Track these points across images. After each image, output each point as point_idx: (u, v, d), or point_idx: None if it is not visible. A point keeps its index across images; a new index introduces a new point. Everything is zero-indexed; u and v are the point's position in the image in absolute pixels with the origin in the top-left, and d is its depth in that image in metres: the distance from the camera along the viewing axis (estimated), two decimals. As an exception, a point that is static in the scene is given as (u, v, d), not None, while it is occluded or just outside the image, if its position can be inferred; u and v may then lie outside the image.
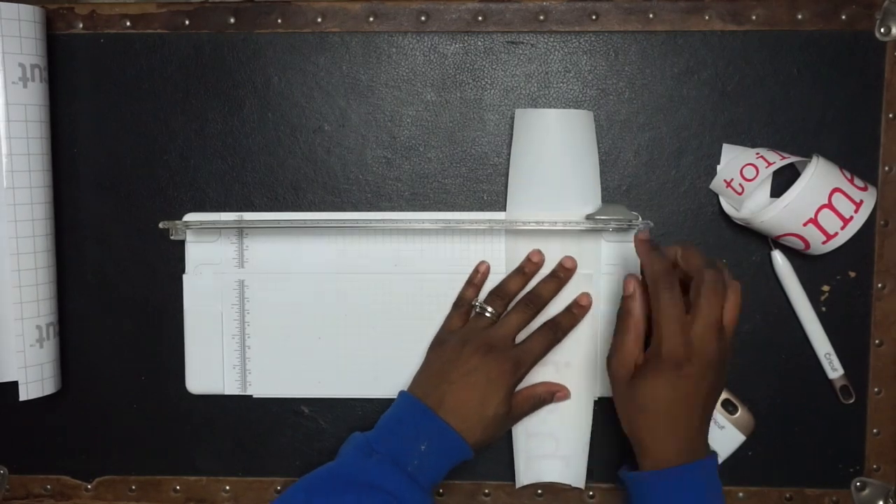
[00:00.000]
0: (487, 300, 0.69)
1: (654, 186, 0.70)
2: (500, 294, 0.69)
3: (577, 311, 0.70)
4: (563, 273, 0.70)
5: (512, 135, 0.70)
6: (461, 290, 0.70)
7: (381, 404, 0.73)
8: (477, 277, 0.70)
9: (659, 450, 0.61)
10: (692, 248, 0.63)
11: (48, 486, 0.75)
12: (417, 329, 0.71)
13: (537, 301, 0.69)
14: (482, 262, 0.70)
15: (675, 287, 0.60)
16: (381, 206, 0.72)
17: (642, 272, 0.62)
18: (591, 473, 0.72)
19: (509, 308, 0.69)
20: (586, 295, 0.70)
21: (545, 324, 0.69)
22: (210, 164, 0.72)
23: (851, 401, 0.71)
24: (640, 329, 0.62)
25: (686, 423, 0.61)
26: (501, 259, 0.71)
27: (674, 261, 0.62)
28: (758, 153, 0.67)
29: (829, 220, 0.65)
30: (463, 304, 0.70)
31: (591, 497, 0.73)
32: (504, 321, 0.68)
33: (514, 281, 0.69)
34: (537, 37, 0.70)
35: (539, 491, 0.73)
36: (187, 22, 0.71)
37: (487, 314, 0.68)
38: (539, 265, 0.70)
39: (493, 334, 0.67)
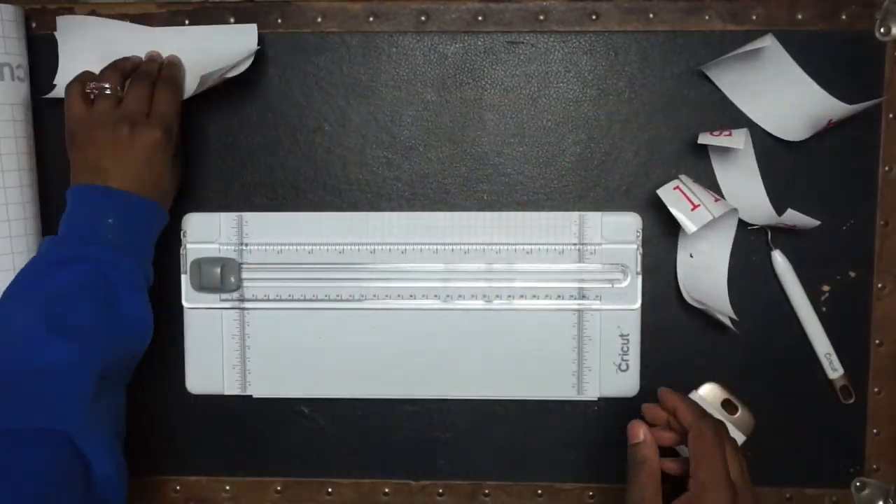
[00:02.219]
0: (103, 78, 0.65)
1: (654, 186, 0.70)
2: (116, 70, 0.66)
3: (174, 59, 0.68)
4: (156, 55, 0.68)
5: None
6: (79, 74, 0.67)
7: (382, 404, 0.73)
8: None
9: None
10: (686, 400, 0.61)
11: (48, 487, 0.75)
12: (419, 328, 0.71)
13: (149, 76, 0.66)
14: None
15: (721, 446, 0.57)
16: (381, 206, 0.72)
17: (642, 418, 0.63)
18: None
19: (128, 85, 0.66)
20: (175, 56, 0.69)
21: (158, 82, 0.66)
22: (210, 164, 0.72)
23: (851, 401, 0.71)
24: (657, 479, 0.59)
25: None
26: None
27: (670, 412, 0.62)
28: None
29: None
30: (79, 87, 0.66)
31: (591, 497, 0.73)
32: (130, 96, 0.64)
33: (128, 61, 0.67)
34: (537, 37, 0.70)
35: (539, 491, 0.73)
36: (187, 22, 0.71)
37: (107, 92, 0.64)
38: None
39: (125, 112, 0.63)
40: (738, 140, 0.66)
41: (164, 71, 0.68)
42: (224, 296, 0.72)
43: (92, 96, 0.66)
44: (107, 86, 0.65)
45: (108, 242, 0.61)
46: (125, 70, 0.67)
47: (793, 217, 0.67)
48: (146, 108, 0.65)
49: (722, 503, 0.55)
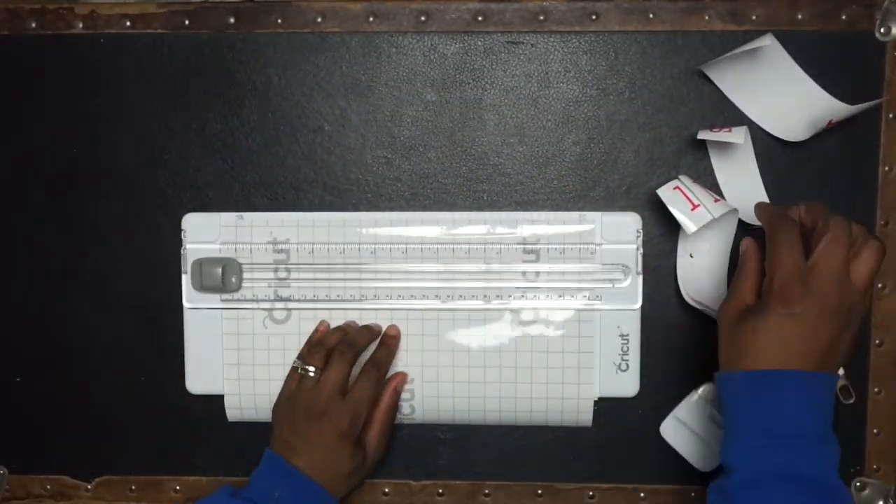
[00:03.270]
0: (306, 358, 0.68)
1: (654, 186, 0.70)
2: (317, 348, 0.68)
3: (391, 343, 0.70)
4: (376, 327, 0.71)
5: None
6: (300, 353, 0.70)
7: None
8: (315, 336, 0.71)
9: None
10: (818, 203, 0.60)
11: (48, 486, 0.75)
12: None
13: (352, 349, 0.68)
14: (321, 322, 0.71)
15: (794, 231, 0.57)
16: (381, 206, 0.72)
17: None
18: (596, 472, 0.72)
19: (330, 361, 0.67)
20: (394, 326, 0.71)
21: (365, 365, 0.68)
22: (210, 164, 0.72)
23: (851, 401, 0.71)
24: (756, 276, 0.59)
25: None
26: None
27: (797, 217, 0.60)
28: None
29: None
30: (296, 369, 0.69)
31: (591, 497, 0.73)
32: (325, 380, 0.66)
33: (332, 335, 0.70)
34: (537, 37, 0.70)
35: (539, 491, 0.73)
36: (187, 22, 0.71)
37: (311, 374, 0.67)
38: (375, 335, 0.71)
39: (319, 396, 0.66)
40: (738, 136, 0.66)
41: (377, 352, 0.69)
42: (224, 296, 0.72)
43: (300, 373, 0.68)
44: (311, 369, 0.67)
45: None
46: (330, 346, 0.68)
47: None
48: (343, 387, 0.66)
49: (788, 295, 0.55)
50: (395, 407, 0.70)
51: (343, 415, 0.65)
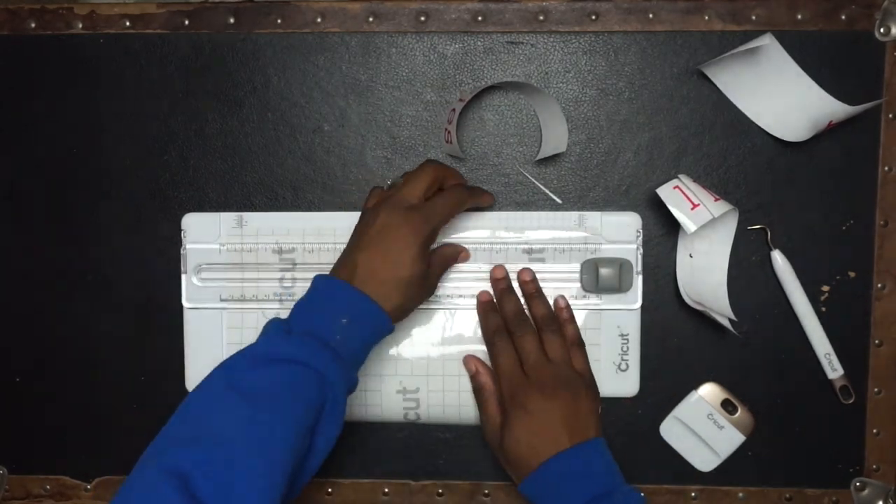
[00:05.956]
0: (400, 175, 0.67)
1: (654, 186, 0.70)
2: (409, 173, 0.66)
3: (488, 195, 0.69)
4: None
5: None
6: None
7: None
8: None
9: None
10: (510, 298, 0.69)
11: (48, 486, 0.75)
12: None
13: (440, 166, 0.66)
14: None
15: (504, 340, 0.67)
16: (380, 206, 0.72)
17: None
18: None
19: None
20: (490, 195, 0.70)
21: (458, 184, 0.67)
22: (210, 164, 0.72)
23: (851, 401, 0.71)
24: (494, 396, 0.67)
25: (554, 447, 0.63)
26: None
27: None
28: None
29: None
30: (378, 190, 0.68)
31: (591, 497, 0.73)
32: (410, 179, 0.64)
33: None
34: (537, 37, 0.70)
35: (539, 491, 0.73)
36: (187, 22, 0.71)
37: (399, 181, 0.66)
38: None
39: (401, 193, 0.63)
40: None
41: (473, 187, 0.69)
42: (224, 295, 0.72)
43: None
44: (399, 177, 0.67)
45: (334, 344, 0.59)
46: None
47: None
48: (421, 194, 0.63)
49: (516, 398, 0.64)
50: (455, 258, 0.70)
51: (418, 211, 0.62)
